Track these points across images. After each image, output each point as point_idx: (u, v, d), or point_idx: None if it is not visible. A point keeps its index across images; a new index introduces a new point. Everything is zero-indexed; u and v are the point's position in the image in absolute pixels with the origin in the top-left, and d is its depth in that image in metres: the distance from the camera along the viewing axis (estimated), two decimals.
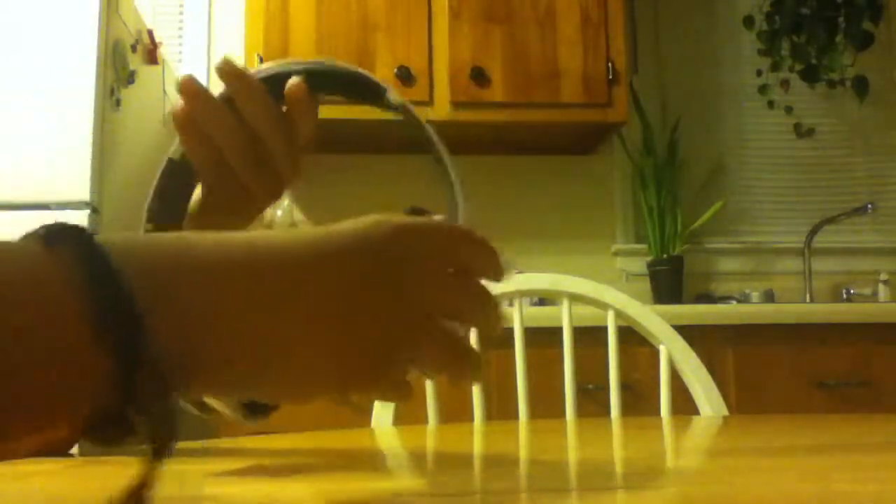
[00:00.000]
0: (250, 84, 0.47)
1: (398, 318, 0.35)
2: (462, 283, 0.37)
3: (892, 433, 0.67)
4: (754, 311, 1.92)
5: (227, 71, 0.47)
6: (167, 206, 0.49)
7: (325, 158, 2.27)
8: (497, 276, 0.39)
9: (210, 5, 2.52)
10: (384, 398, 0.38)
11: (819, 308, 1.94)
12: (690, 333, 1.18)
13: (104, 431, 0.27)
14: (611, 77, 2.16)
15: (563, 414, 1.13)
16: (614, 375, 1.13)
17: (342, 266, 0.34)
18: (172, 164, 0.49)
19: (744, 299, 2.37)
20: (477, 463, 0.51)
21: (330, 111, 2.09)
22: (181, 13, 2.53)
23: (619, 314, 1.13)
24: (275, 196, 0.52)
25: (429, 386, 1.06)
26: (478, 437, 0.66)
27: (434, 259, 0.36)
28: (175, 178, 0.49)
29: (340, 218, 0.37)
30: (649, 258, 2.38)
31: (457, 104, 2.10)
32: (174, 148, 0.49)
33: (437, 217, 0.40)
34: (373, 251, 0.35)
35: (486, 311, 0.38)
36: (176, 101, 0.47)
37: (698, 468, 0.48)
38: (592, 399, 1.73)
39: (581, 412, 1.14)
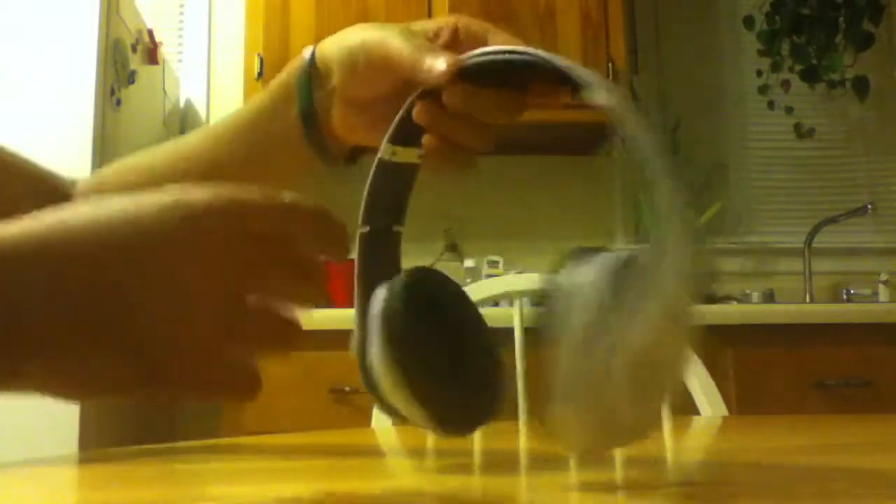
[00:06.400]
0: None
1: (203, 304, 0.33)
2: (284, 261, 0.35)
3: (892, 433, 0.66)
4: (754, 311, 1.92)
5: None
6: (379, 207, 0.47)
7: None
8: (339, 254, 0.36)
9: (210, 5, 2.52)
10: (215, 396, 0.35)
11: (819, 308, 1.94)
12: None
13: None
14: (611, 77, 2.16)
15: None
16: None
17: (142, 246, 0.32)
18: (383, 164, 0.46)
19: (744, 299, 2.37)
20: (476, 462, 0.51)
21: None
22: (181, 13, 2.53)
23: None
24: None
25: None
26: (477, 436, 0.66)
27: (254, 237, 0.34)
28: (386, 179, 0.47)
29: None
30: None
31: None
32: (383, 147, 0.46)
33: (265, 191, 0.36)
34: (176, 230, 0.32)
35: (308, 287, 0.36)
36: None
37: (698, 468, 0.48)
38: None
39: None
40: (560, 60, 0.40)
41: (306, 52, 0.53)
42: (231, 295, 0.34)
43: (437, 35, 0.50)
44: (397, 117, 0.46)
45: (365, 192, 0.46)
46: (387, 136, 0.46)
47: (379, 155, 0.47)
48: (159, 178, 0.57)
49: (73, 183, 0.62)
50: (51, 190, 0.60)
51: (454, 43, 0.50)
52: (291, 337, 0.35)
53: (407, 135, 0.46)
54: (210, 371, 0.34)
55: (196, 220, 0.33)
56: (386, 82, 0.48)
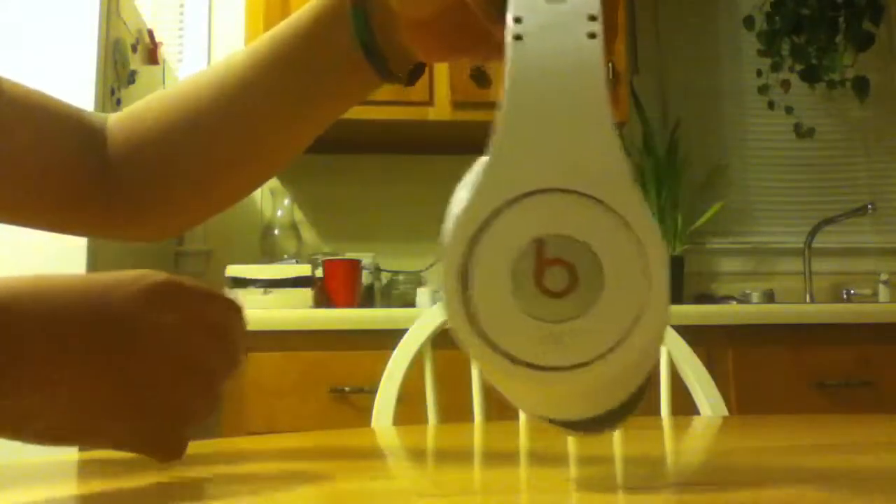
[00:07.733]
0: None
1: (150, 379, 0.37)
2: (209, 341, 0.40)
3: (892, 433, 0.67)
4: (754, 311, 1.92)
5: None
6: None
7: (325, 158, 2.28)
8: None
9: (210, 5, 2.52)
10: (140, 451, 0.39)
11: (819, 308, 1.94)
12: (690, 333, 1.18)
13: None
14: (611, 77, 2.16)
15: None
16: None
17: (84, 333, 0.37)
18: None
19: (744, 299, 2.37)
20: (477, 463, 0.51)
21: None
22: (181, 13, 2.53)
23: None
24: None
25: (428, 386, 1.06)
26: (478, 436, 0.66)
27: (186, 319, 0.39)
28: None
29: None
30: None
31: (457, 104, 2.10)
32: None
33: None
34: (114, 316, 0.37)
35: (231, 366, 0.41)
36: None
37: (698, 468, 0.48)
38: None
39: None
40: None
41: None
42: (176, 366, 0.38)
43: None
44: None
45: None
46: None
47: None
48: (205, 113, 0.54)
49: (103, 119, 0.60)
50: (88, 128, 0.58)
51: None
52: (214, 408, 0.40)
53: None
54: (144, 427, 0.38)
55: (162, 300, 0.38)
56: None
